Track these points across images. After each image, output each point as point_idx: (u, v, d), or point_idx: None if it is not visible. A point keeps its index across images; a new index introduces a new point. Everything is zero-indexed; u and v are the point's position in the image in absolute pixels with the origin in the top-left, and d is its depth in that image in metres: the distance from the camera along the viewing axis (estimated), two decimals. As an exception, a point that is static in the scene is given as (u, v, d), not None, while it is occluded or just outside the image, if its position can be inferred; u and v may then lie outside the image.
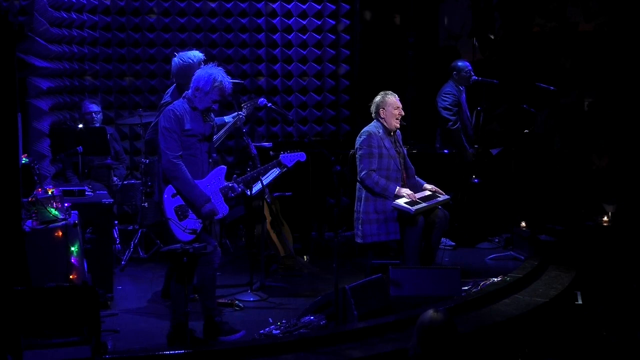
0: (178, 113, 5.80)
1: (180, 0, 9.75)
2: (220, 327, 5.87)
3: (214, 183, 5.94)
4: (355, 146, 7.29)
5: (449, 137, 8.92)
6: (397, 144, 7.34)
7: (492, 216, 9.05)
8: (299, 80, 10.26)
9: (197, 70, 5.99)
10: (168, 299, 6.62)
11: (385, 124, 7.24)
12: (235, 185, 6.05)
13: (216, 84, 5.81)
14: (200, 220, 5.81)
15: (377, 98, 7.30)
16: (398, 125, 7.27)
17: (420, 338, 3.88)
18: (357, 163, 7.21)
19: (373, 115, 7.31)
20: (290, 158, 6.72)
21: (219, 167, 6.03)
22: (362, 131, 7.30)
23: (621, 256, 8.26)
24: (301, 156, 6.76)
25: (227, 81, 5.87)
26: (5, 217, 4.95)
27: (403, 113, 7.30)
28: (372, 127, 7.27)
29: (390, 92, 7.32)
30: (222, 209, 5.95)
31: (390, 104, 7.23)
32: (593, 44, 10.07)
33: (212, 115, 6.08)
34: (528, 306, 6.73)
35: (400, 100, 7.35)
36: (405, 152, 7.52)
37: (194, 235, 5.73)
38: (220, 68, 5.97)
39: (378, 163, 7.14)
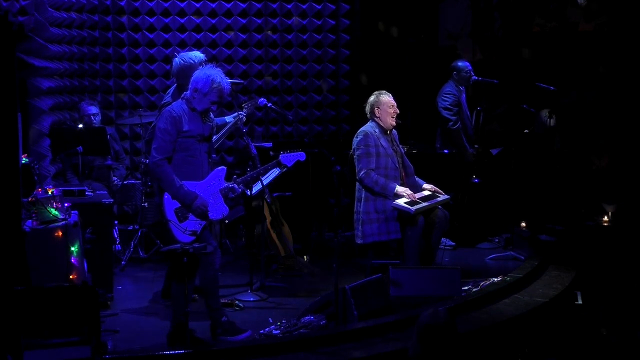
0: (175, 114, 5.79)
1: (180, 0, 9.75)
2: (226, 327, 5.87)
3: (214, 184, 5.93)
4: (353, 147, 7.30)
5: (449, 137, 8.92)
6: (394, 142, 7.35)
7: (492, 216, 9.05)
8: (299, 80, 10.26)
9: (195, 72, 5.96)
10: (168, 299, 6.62)
11: (380, 122, 7.26)
12: (236, 186, 6.05)
13: (215, 85, 5.80)
14: (199, 222, 5.81)
15: (371, 98, 7.32)
16: (394, 123, 7.29)
17: (420, 338, 3.88)
18: (355, 163, 7.22)
19: (368, 115, 7.33)
20: (290, 158, 6.72)
21: (219, 168, 6.02)
22: (358, 131, 7.32)
23: (621, 256, 8.26)
24: (301, 156, 6.76)
25: (226, 82, 5.86)
26: (5, 217, 4.95)
27: (398, 111, 7.31)
28: (368, 127, 7.28)
29: (384, 91, 7.34)
30: (223, 210, 5.94)
31: (384, 103, 7.25)
32: (593, 44, 10.07)
33: (212, 115, 6.07)
34: (528, 306, 6.73)
35: (400, 100, 7.36)
36: (403, 151, 7.53)
37: (194, 237, 5.73)
38: (218, 69, 5.95)
39: (376, 162, 7.15)
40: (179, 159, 5.82)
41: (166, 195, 5.79)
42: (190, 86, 5.88)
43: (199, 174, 5.88)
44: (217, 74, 5.83)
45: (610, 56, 9.57)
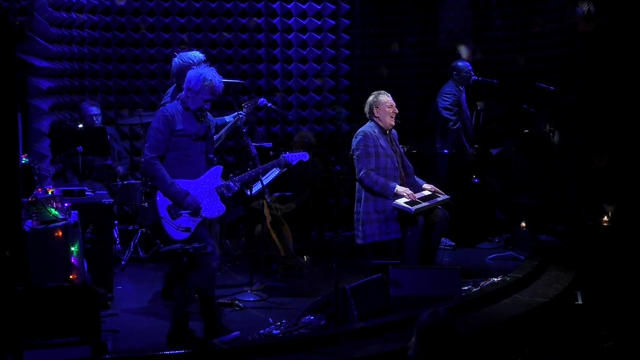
0: (168, 114, 5.84)
1: (180, 0, 9.75)
2: (220, 328, 5.87)
3: (209, 182, 5.94)
4: (352, 147, 7.30)
5: (449, 137, 8.92)
6: (394, 142, 7.36)
7: (492, 216, 9.05)
8: (299, 80, 10.26)
9: (189, 71, 6.00)
10: (168, 299, 6.63)
11: (380, 122, 7.27)
12: (231, 184, 6.04)
13: (206, 83, 5.83)
14: (193, 218, 5.81)
15: (370, 98, 7.34)
16: (393, 123, 7.30)
17: (420, 338, 3.88)
18: (355, 164, 7.22)
19: (367, 115, 7.35)
20: (293, 157, 6.73)
21: (214, 167, 6.04)
22: (357, 132, 7.33)
23: (621, 256, 8.24)
24: (304, 156, 6.76)
25: (218, 80, 5.89)
26: (5, 217, 4.95)
27: (397, 111, 7.32)
28: (367, 127, 7.29)
29: (383, 91, 7.36)
30: (219, 208, 5.95)
31: (383, 103, 7.26)
32: (593, 44, 10.05)
33: (209, 115, 6.09)
34: (528, 306, 6.73)
35: (400, 101, 7.37)
36: (403, 151, 7.53)
37: (188, 233, 5.73)
38: (211, 68, 6.00)
39: (375, 162, 7.15)
40: (175, 158, 5.84)
41: (159, 193, 5.82)
42: (184, 86, 5.93)
43: (195, 173, 5.90)
44: (208, 72, 5.88)
45: (610, 56, 9.56)
